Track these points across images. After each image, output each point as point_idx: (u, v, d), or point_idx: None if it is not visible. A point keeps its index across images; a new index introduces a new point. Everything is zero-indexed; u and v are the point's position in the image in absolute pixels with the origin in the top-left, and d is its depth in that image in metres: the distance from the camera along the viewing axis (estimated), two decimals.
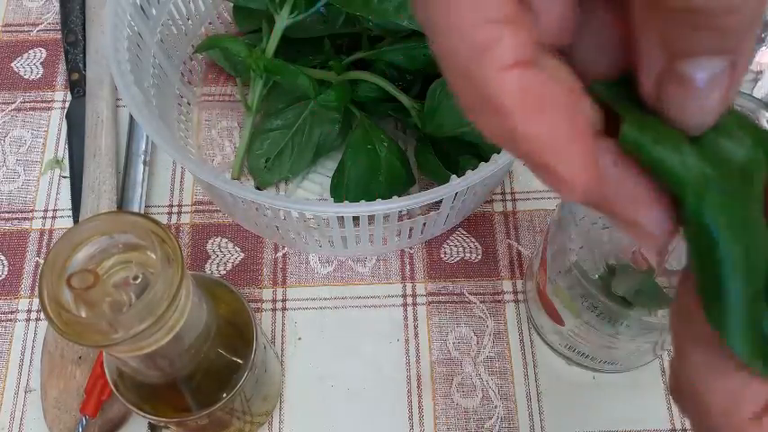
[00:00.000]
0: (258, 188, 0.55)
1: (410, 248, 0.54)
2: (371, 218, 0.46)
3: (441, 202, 0.46)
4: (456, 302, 0.53)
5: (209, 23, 0.61)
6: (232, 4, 0.59)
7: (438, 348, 0.51)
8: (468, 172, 0.43)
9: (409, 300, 0.53)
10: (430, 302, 0.53)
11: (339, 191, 0.53)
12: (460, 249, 0.55)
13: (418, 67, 0.52)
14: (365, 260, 0.54)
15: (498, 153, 0.43)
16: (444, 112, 0.50)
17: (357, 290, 0.53)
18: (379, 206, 0.42)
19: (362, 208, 0.43)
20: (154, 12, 0.53)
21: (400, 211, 0.46)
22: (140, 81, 0.49)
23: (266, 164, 0.55)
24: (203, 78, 0.61)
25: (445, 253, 0.54)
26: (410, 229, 0.51)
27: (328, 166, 0.56)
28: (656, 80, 0.19)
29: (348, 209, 0.43)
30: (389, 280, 0.54)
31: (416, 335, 0.52)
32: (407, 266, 0.54)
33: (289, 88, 0.55)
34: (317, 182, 0.57)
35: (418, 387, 0.50)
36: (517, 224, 0.55)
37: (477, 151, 0.51)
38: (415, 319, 0.52)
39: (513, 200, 0.56)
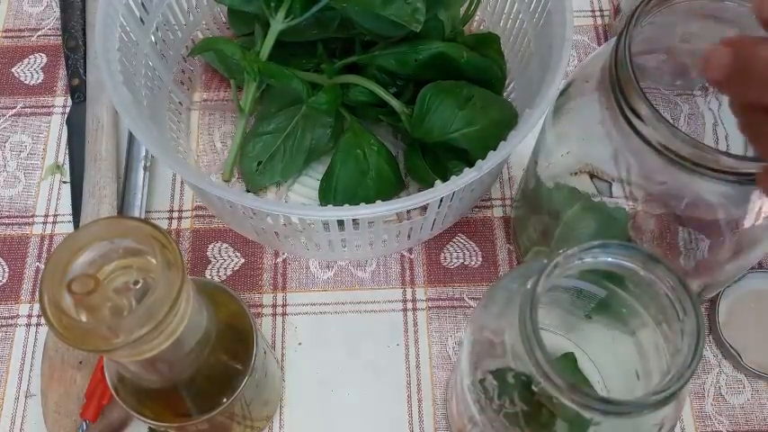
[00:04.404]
0: (249, 191, 0.55)
1: (410, 253, 0.55)
2: (357, 222, 0.46)
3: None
4: (456, 307, 0.53)
5: (206, 27, 0.61)
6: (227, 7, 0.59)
7: (438, 353, 0.51)
8: (453, 177, 0.43)
9: (409, 305, 0.53)
10: (430, 307, 0.53)
11: (327, 194, 0.53)
12: (460, 254, 0.55)
13: (409, 72, 0.52)
14: (365, 265, 0.54)
15: (482, 159, 0.43)
16: (434, 118, 0.50)
17: (357, 295, 0.53)
18: (363, 210, 0.42)
19: (346, 212, 0.42)
20: (147, 13, 0.53)
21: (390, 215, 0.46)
22: (131, 81, 0.49)
23: (258, 167, 0.55)
24: (203, 83, 0.62)
25: (445, 258, 0.54)
26: (397, 234, 0.51)
27: (320, 170, 0.56)
28: None
29: (331, 213, 0.43)
30: (389, 285, 0.54)
31: (416, 340, 0.52)
32: (407, 271, 0.54)
33: (282, 91, 0.55)
34: (309, 185, 0.57)
35: (418, 392, 0.50)
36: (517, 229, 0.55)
37: (467, 157, 0.51)
38: (416, 324, 0.52)
39: (513, 205, 0.56)
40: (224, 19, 0.61)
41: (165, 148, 0.46)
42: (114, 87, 0.46)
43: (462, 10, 0.58)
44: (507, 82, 0.57)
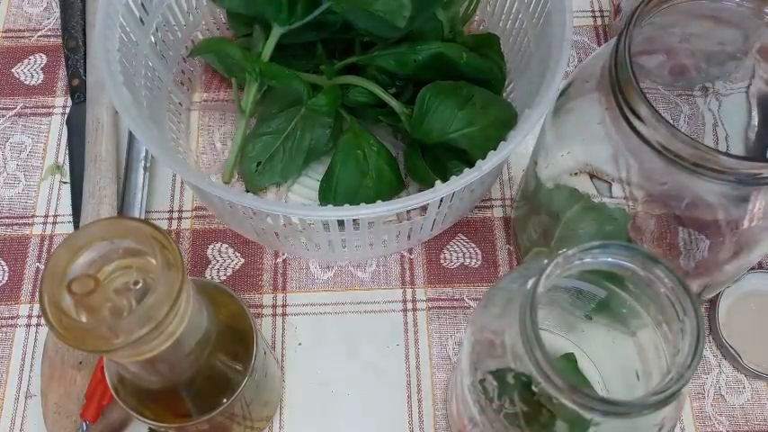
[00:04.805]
0: (249, 191, 0.55)
1: (410, 254, 0.55)
2: (357, 222, 0.46)
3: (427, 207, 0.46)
4: (456, 308, 0.53)
5: (205, 27, 0.60)
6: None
7: (438, 353, 0.51)
8: (453, 177, 0.43)
9: (409, 305, 0.53)
10: (430, 308, 0.53)
11: (327, 195, 0.53)
12: (460, 255, 0.55)
13: (409, 73, 0.52)
14: (365, 265, 0.54)
15: (482, 159, 0.43)
16: (433, 118, 0.50)
17: (357, 295, 0.53)
18: (363, 211, 0.42)
19: (346, 212, 0.42)
20: (147, 14, 0.53)
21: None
22: (131, 82, 0.49)
23: (257, 167, 0.55)
24: (203, 83, 0.62)
25: (445, 258, 0.54)
26: (397, 235, 0.51)
27: (320, 171, 0.56)
28: None
29: (331, 213, 0.43)
30: (389, 285, 0.54)
31: (416, 340, 0.52)
32: (407, 272, 0.54)
33: (283, 93, 0.55)
34: (309, 186, 0.57)
35: (418, 392, 0.50)
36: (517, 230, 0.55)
37: (467, 157, 0.51)
38: (415, 325, 0.52)
39: (513, 206, 0.56)
40: (224, 19, 0.61)
41: (165, 149, 0.46)
42: (114, 88, 0.46)
43: (462, 10, 0.58)
44: (507, 82, 0.57)
